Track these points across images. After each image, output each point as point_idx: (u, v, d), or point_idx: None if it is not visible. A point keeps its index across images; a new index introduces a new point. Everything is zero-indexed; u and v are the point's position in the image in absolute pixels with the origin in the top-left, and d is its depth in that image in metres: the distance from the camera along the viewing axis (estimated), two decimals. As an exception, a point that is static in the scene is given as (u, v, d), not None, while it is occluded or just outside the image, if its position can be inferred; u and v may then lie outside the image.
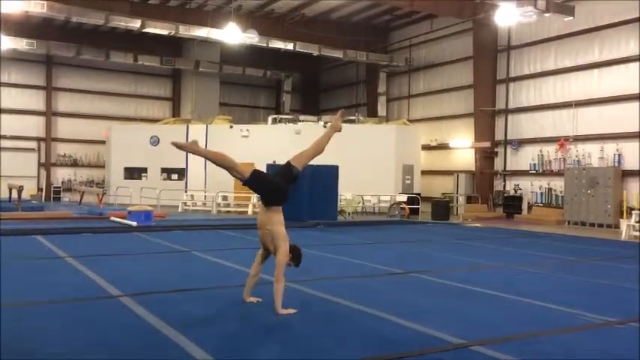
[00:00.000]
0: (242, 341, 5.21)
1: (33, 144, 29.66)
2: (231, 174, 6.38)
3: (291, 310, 6.03)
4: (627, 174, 19.62)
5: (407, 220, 20.90)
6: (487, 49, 24.53)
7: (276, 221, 6.23)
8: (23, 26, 24.36)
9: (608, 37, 20.47)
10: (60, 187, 29.69)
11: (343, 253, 11.46)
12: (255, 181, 6.34)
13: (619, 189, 19.25)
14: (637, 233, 16.24)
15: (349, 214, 21.47)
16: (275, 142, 24.48)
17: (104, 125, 29.32)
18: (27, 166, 28.96)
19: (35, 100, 29.68)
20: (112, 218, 17.03)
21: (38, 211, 19.06)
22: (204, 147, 6.63)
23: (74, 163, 30.59)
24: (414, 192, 24.27)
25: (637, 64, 19.54)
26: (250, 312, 6.18)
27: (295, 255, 6.31)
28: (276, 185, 6.39)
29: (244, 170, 6.37)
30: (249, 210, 22.56)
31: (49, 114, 29.94)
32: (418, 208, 22.44)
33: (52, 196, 29.11)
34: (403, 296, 7.34)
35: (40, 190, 29.36)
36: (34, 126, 29.60)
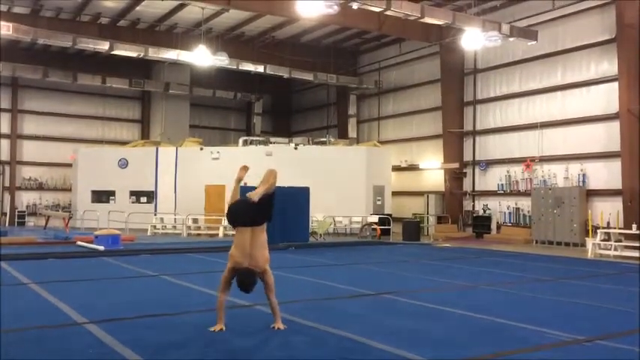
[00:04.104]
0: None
1: (-3, 167, 29.01)
2: None
3: (214, 327, 6.19)
4: (591, 193, 20.08)
5: (378, 241, 20.96)
6: (454, 72, 25.03)
7: None
8: (-13, 48, 23.96)
9: (570, 60, 21.09)
10: (25, 212, 28.93)
11: (314, 274, 11.41)
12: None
13: (584, 208, 19.67)
14: (603, 252, 16.59)
15: (321, 235, 21.43)
16: (246, 164, 24.40)
17: (71, 148, 28.84)
18: (-10, 190, 28.26)
19: (0, 123, 29.04)
20: (79, 243, 16.67)
21: (2, 237, 18.51)
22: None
23: (40, 187, 29.92)
24: (385, 213, 24.38)
25: (598, 86, 20.16)
26: (219, 337, 6.07)
27: (237, 280, 6.19)
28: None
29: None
30: (220, 233, 22.34)
31: (14, 137, 29.31)
32: (389, 229, 22.53)
33: (16, 220, 28.35)
34: (374, 318, 7.32)
35: (3, 214, 28.60)
36: (-1, 149, 28.97)
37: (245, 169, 6.93)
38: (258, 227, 6.27)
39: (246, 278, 6.13)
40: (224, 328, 6.25)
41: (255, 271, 6.18)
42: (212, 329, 6.20)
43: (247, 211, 6.29)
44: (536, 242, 20.57)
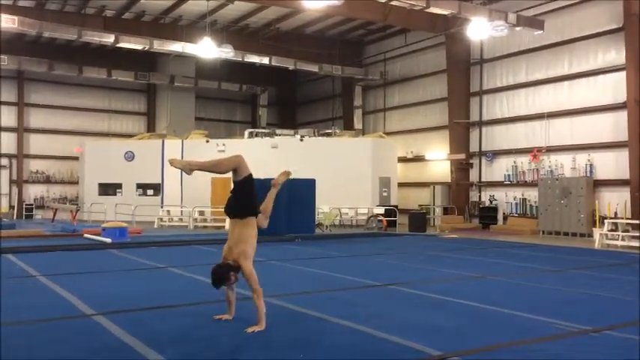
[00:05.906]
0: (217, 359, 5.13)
1: (4, 161, 29.09)
2: None
3: (220, 316, 6.39)
4: (599, 183, 19.98)
5: (384, 233, 20.96)
6: (460, 62, 24.89)
7: None
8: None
9: (576, 50, 20.93)
10: (32, 205, 29.10)
11: (321, 266, 11.43)
12: None
13: (591, 198, 19.59)
14: (610, 242, 16.53)
15: (327, 227, 21.45)
16: (252, 156, 24.31)
17: (77, 141, 28.94)
18: (-2, 184, 28.39)
19: (6, 117, 29.13)
20: (86, 235, 16.76)
21: (9, 229, 18.64)
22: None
23: (47, 180, 30.06)
24: (391, 204, 24.37)
25: (605, 76, 20.01)
26: (225, 329, 6.10)
27: None
28: None
29: None
30: (227, 225, 22.36)
31: (21, 130, 29.44)
32: (395, 220, 22.53)
33: (24, 213, 28.52)
34: (381, 309, 7.33)
35: (11, 207, 28.78)
36: (6, 142, 29.04)
37: (286, 174, 6.73)
38: (242, 220, 6.10)
39: (215, 270, 6.02)
40: (223, 318, 6.37)
41: (229, 265, 5.98)
42: (217, 317, 6.38)
43: (231, 201, 6.28)
44: (543, 233, 20.51)
